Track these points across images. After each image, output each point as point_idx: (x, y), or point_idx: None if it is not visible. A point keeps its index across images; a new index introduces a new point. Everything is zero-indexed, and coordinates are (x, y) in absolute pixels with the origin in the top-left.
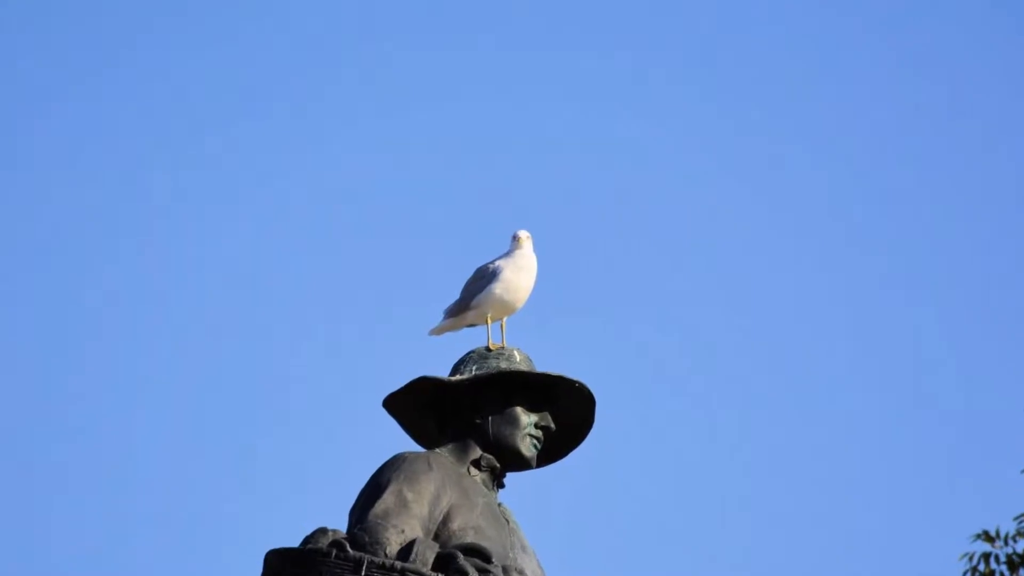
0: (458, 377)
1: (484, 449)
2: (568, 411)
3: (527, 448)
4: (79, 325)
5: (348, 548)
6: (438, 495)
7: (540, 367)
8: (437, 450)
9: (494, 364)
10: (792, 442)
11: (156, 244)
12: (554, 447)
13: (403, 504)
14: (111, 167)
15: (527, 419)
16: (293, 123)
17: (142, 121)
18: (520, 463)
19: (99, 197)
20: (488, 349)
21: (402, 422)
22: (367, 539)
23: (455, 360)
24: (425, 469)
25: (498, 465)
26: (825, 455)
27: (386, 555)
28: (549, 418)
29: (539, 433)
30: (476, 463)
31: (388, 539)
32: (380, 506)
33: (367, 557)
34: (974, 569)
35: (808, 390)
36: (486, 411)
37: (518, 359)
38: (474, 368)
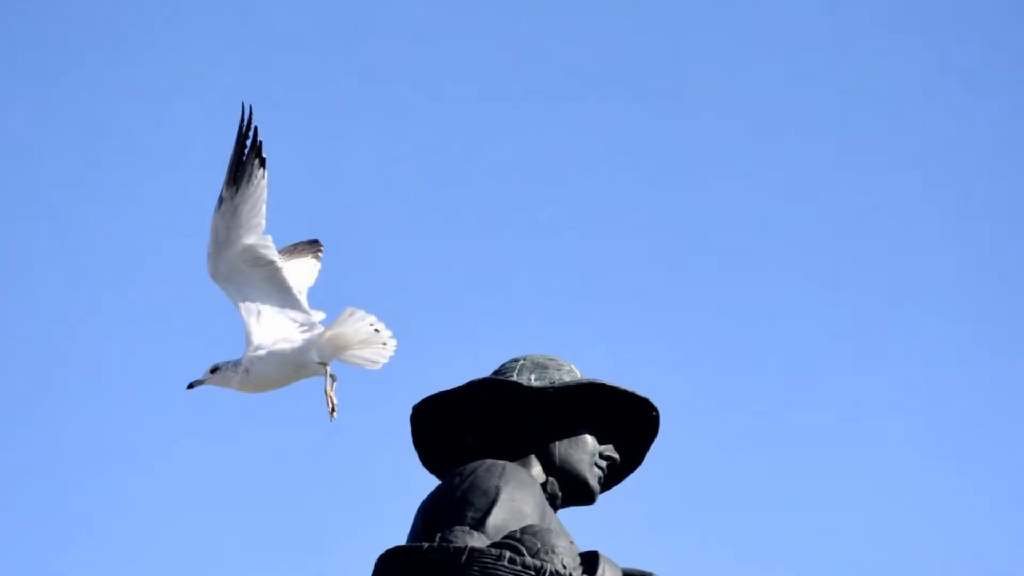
0: (539, 384)
1: (547, 473)
2: (623, 446)
3: (594, 478)
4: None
5: (526, 554)
6: (544, 512)
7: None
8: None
9: (561, 377)
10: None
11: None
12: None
13: (522, 516)
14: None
15: (594, 447)
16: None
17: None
18: (584, 495)
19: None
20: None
21: (422, 433)
22: (539, 545)
23: (469, 367)
24: (530, 481)
25: (560, 494)
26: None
27: (563, 565)
28: (614, 450)
29: (604, 464)
30: (541, 487)
31: (562, 548)
32: (500, 515)
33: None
34: None
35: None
36: (553, 430)
37: (579, 375)
38: (532, 377)
